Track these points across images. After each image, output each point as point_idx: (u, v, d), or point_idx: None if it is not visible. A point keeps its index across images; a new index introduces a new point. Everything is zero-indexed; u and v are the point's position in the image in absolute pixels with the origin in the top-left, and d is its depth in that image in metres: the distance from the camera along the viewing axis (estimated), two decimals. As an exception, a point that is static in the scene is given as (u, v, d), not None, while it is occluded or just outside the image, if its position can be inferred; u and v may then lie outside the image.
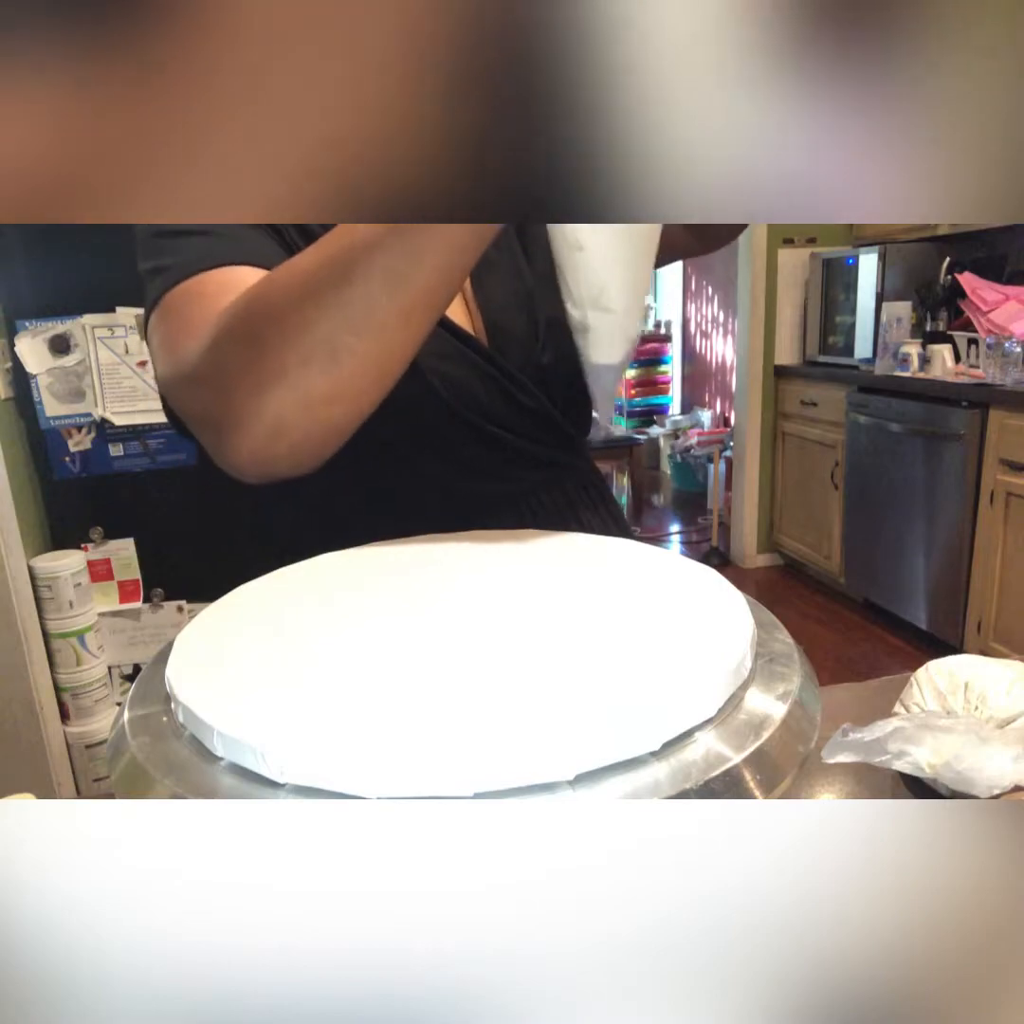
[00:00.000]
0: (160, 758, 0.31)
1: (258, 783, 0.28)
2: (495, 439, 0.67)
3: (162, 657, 0.38)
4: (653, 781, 0.27)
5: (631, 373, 5.10)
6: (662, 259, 0.81)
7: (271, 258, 0.52)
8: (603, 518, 0.79)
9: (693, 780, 0.28)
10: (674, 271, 5.29)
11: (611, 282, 0.52)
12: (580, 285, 0.53)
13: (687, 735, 0.29)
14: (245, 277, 0.50)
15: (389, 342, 0.43)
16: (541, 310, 0.69)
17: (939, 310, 2.79)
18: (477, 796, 0.26)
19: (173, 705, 0.33)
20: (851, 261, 2.96)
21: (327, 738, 0.29)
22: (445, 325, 0.64)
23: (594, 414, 0.77)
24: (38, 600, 1.77)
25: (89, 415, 1.82)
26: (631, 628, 0.36)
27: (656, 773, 0.28)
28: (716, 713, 0.31)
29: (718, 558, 3.56)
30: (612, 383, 0.59)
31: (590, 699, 0.30)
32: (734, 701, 0.32)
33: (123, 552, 1.91)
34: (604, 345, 0.55)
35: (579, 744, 0.27)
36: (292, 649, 0.36)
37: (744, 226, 0.81)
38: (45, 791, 1.64)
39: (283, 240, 0.59)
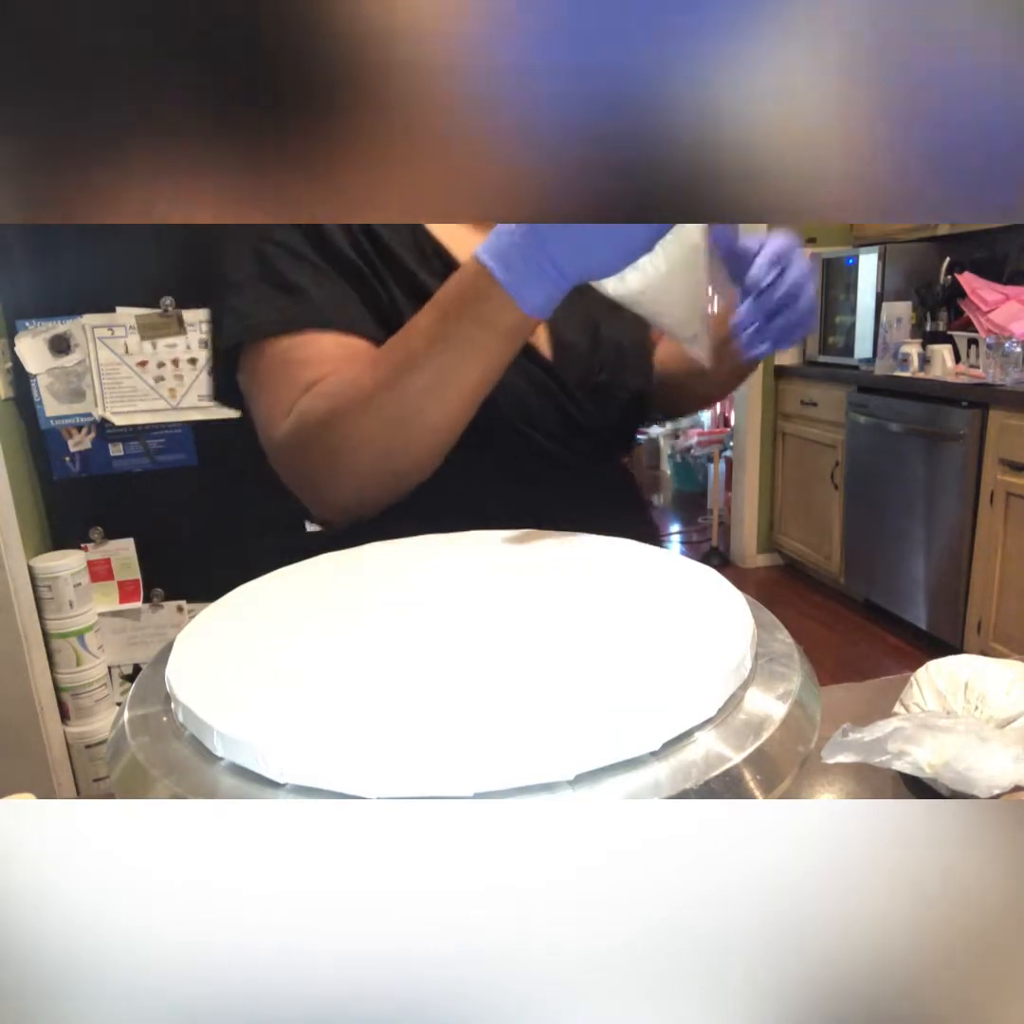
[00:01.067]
0: (160, 758, 0.31)
1: (258, 783, 0.28)
2: (542, 449, 0.68)
3: (162, 657, 0.38)
4: (653, 781, 0.27)
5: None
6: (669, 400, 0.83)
7: (355, 323, 0.60)
8: (640, 532, 0.81)
9: (693, 780, 0.28)
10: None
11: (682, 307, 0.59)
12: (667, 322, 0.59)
13: (687, 735, 0.29)
14: (330, 348, 0.58)
15: (462, 414, 0.54)
16: (604, 332, 0.71)
17: (939, 310, 2.79)
18: (477, 796, 0.26)
19: (173, 705, 0.33)
20: (851, 261, 2.96)
21: (327, 738, 0.28)
22: None
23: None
24: (38, 600, 1.77)
25: (89, 415, 1.82)
26: (631, 628, 0.36)
27: (656, 773, 0.28)
28: (716, 713, 0.31)
29: (718, 558, 3.55)
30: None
31: (590, 699, 0.30)
32: (734, 701, 0.32)
33: (123, 552, 1.91)
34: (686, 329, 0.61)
35: (579, 744, 0.27)
36: (292, 649, 0.36)
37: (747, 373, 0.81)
38: (45, 791, 1.63)
39: (369, 291, 0.63)
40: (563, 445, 0.70)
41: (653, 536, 0.83)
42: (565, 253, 0.49)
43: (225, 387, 0.66)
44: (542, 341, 0.70)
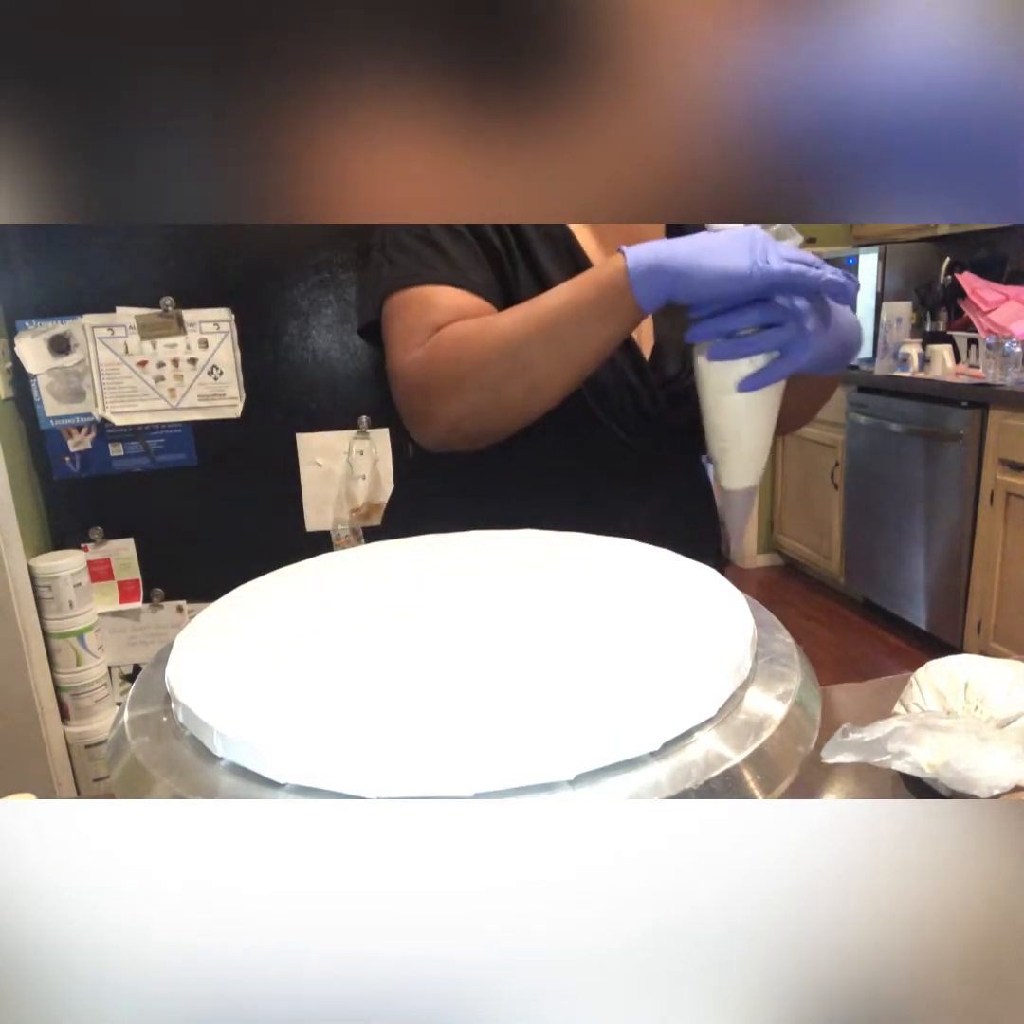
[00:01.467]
0: (160, 758, 0.31)
1: (258, 783, 0.28)
2: (610, 434, 0.74)
3: (162, 657, 0.38)
4: (653, 781, 0.27)
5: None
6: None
7: (485, 290, 0.68)
8: (701, 541, 0.85)
9: (693, 780, 0.28)
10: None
11: (745, 421, 0.62)
12: (718, 424, 0.63)
13: (687, 735, 0.29)
14: (463, 303, 0.67)
15: (566, 382, 0.62)
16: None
17: (939, 310, 2.79)
18: (477, 796, 0.26)
19: (173, 705, 0.33)
20: (851, 261, 2.96)
21: (327, 738, 0.28)
22: None
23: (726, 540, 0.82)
24: (38, 600, 1.77)
25: (89, 415, 1.82)
26: (631, 628, 0.36)
27: (656, 773, 0.28)
28: (716, 713, 0.31)
29: (718, 558, 3.55)
30: (744, 507, 0.67)
31: (590, 699, 0.30)
32: (734, 701, 0.32)
33: (123, 552, 1.91)
34: (737, 474, 0.65)
35: (579, 744, 0.27)
36: (292, 649, 0.36)
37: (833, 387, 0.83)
38: (45, 791, 1.63)
39: (500, 269, 0.71)
40: (633, 435, 0.74)
41: (709, 534, 0.88)
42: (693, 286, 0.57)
43: (368, 324, 0.74)
44: (644, 337, 0.75)
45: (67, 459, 1.83)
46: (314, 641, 0.37)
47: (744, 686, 0.33)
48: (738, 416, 0.62)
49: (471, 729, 0.28)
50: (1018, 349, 2.26)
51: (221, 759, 0.30)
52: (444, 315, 0.66)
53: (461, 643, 0.36)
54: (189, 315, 1.81)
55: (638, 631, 0.36)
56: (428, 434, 0.68)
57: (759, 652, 0.36)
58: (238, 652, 0.36)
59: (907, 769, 0.47)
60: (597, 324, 0.60)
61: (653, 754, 0.28)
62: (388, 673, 0.33)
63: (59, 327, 1.77)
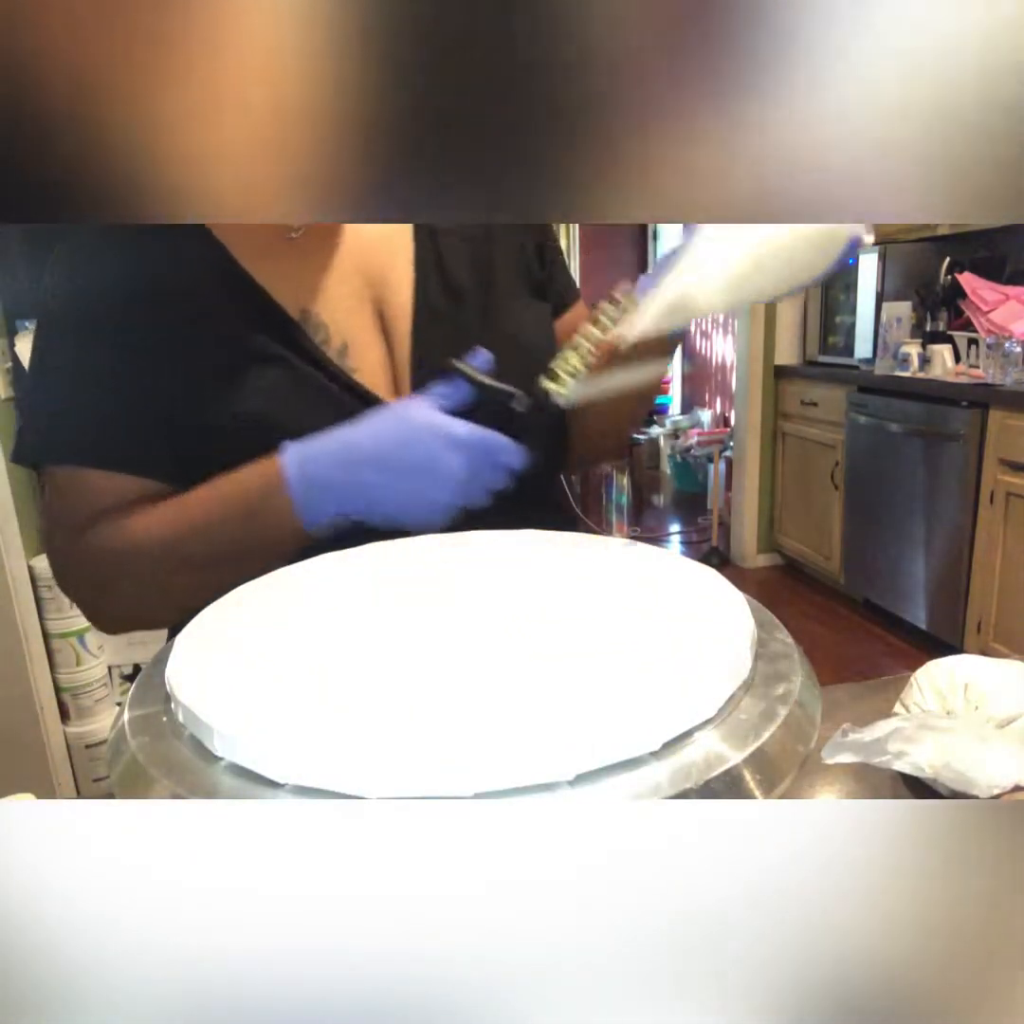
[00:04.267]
0: (160, 758, 0.31)
1: (258, 783, 0.28)
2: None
3: (162, 657, 0.38)
4: (653, 781, 0.27)
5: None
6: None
7: (133, 460, 0.59)
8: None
9: (693, 780, 0.28)
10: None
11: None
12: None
13: (687, 735, 0.29)
14: (115, 486, 0.59)
15: (219, 583, 0.48)
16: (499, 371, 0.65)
17: (939, 310, 2.79)
18: (477, 796, 0.26)
19: (173, 705, 0.33)
20: (851, 261, 2.96)
21: (327, 738, 0.28)
22: (361, 396, 0.62)
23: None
24: (38, 600, 1.77)
25: (89, 415, 1.82)
26: (631, 628, 0.36)
27: (656, 773, 0.28)
28: (716, 713, 0.31)
29: (718, 558, 3.55)
30: None
31: (590, 699, 0.30)
32: (734, 701, 0.32)
33: (123, 552, 1.90)
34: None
35: (579, 744, 0.27)
36: (292, 649, 0.36)
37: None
38: (45, 791, 1.63)
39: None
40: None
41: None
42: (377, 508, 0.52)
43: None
44: (405, 393, 0.65)
45: (67, 459, 1.82)
46: (314, 641, 0.37)
47: (744, 686, 0.33)
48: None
49: (471, 729, 0.28)
50: (1018, 349, 2.26)
51: (221, 759, 0.30)
52: (94, 505, 0.59)
53: (461, 643, 0.36)
54: (189, 315, 1.80)
55: (638, 631, 0.36)
56: (99, 625, 0.64)
57: (759, 652, 0.36)
58: (238, 652, 0.36)
59: (907, 769, 0.47)
60: (261, 530, 0.54)
61: (653, 754, 0.28)
62: (388, 673, 0.33)
63: (59, 327, 1.76)
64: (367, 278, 0.65)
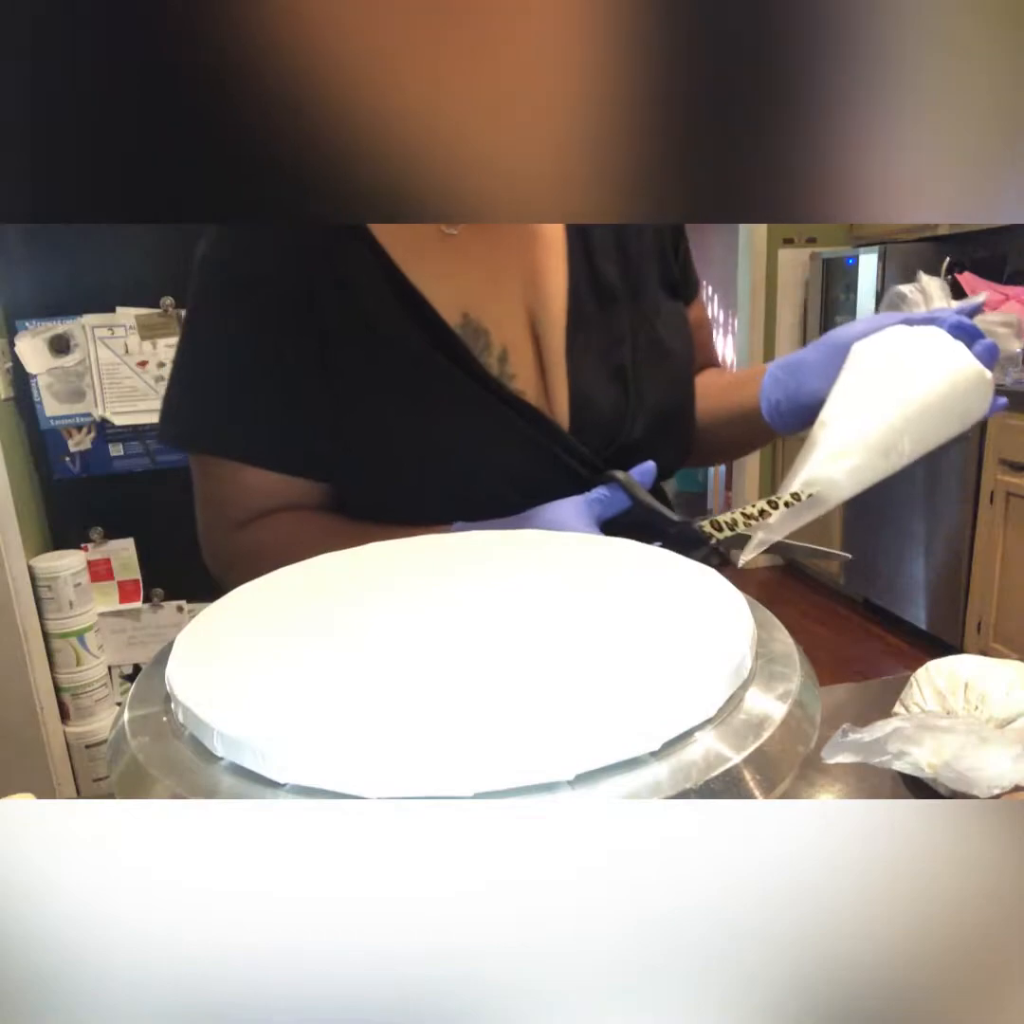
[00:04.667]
0: (160, 758, 0.31)
1: (258, 783, 0.28)
2: None
3: (162, 657, 0.38)
4: (653, 781, 0.27)
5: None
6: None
7: (289, 460, 0.59)
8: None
9: (693, 780, 0.28)
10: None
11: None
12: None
13: (687, 735, 0.29)
14: (272, 487, 0.59)
15: None
16: (641, 384, 0.65)
17: (939, 310, 2.79)
18: (477, 796, 0.26)
19: (173, 705, 0.33)
20: (851, 261, 2.96)
21: (327, 738, 0.28)
22: (516, 407, 0.60)
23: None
24: (38, 600, 1.77)
25: (89, 415, 1.82)
26: (631, 628, 0.36)
27: (656, 773, 0.28)
28: (716, 713, 0.31)
29: (718, 558, 3.55)
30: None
31: (590, 699, 0.30)
32: (734, 701, 0.32)
33: (123, 552, 1.91)
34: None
35: (579, 744, 0.27)
36: (292, 649, 0.36)
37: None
38: (45, 791, 1.63)
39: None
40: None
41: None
42: None
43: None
44: (558, 402, 0.63)
45: (67, 459, 1.83)
46: (314, 641, 0.37)
47: (744, 686, 0.33)
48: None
49: (470, 729, 0.28)
50: (1018, 349, 2.26)
51: (221, 759, 0.30)
52: (258, 503, 0.59)
53: (461, 642, 0.36)
54: (189, 315, 1.81)
55: (638, 631, 0.36)
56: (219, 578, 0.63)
57: (759, 652, 0.36)
58: (238, 652, 0.36)
59: (907, 769, 0.47)
60: None
61: (653, 754, 0.28)
62: (388, 673, 0.33)
63: (59, 327, 1.77)
64: (523, 280, 0.63)
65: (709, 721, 0.30)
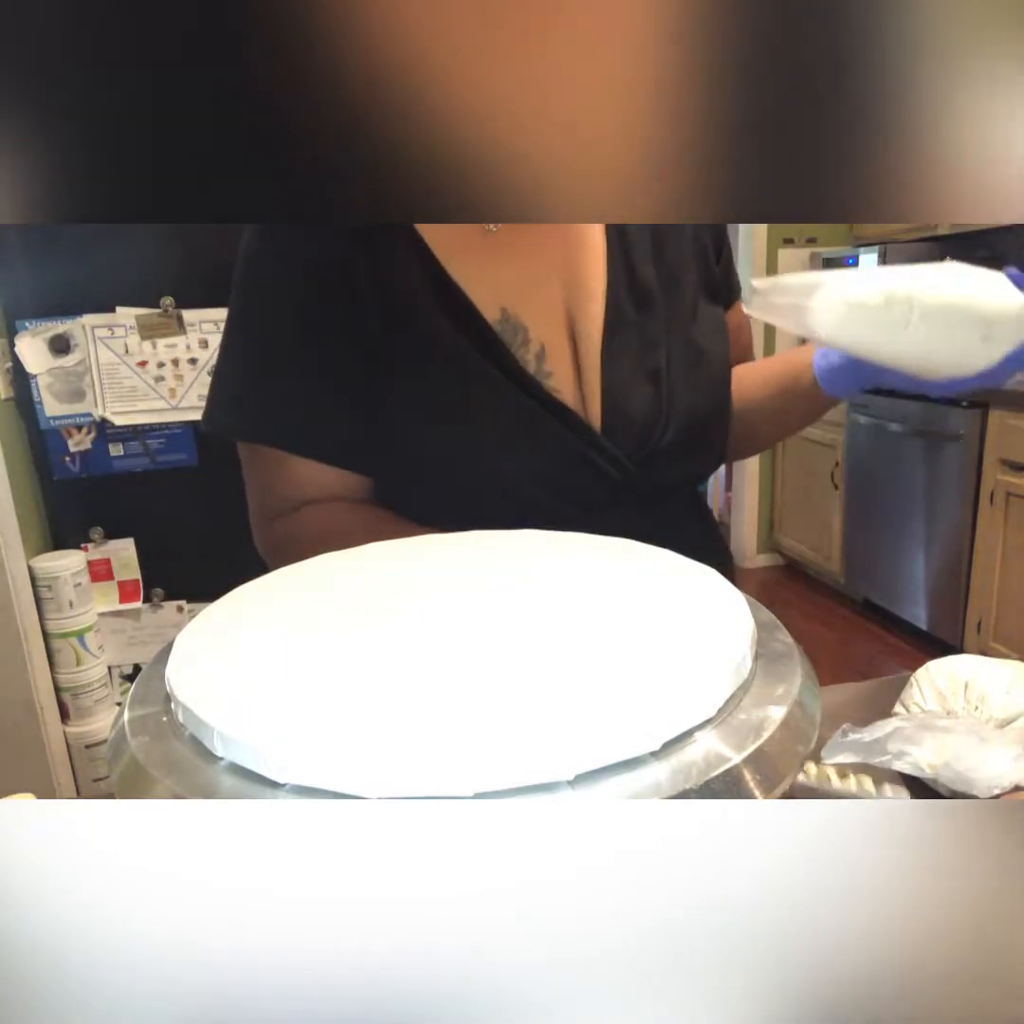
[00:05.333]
0: (160, 758, 0.31)
1: (258, 783, 0.28)
2: (583, 517, 0.62)
3: (162, 657, 0.38)
4: (653, 781, 0.27)
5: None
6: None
7: (337, 451, 0.59)
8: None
9: (693, 780, 0.28)
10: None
11: None
12: None
13: (687, 735, 0.29)
14: (322, 479, 0.59)
15: None
16: (675, 388, 0.64)
17: (939, 310, 2.79)
18: (477, 796, 0.26)
19: (173, 705, 0.33)
20: (851, 261, 2.96)
21: (327, 738, 0.28)
22: (549, 407, 0.60)
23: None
24: (38, 600, 1.77)
25: (89, 415, 1.82)
26: (631, 628, 0.36)
27: (656, 773, 0.28)
28: (716, 713, 0.31)
29: (718, 558, 3.55)
30: None
31: (590, 699, 0.30)
32: (734, 701, 0.32)
33: (123, 552, 1.91)
34: None
35: (578, 744, 0.27)
36: (292, 649, 0.36)
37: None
38: (45, 791, 1.64)
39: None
40: (607, 506, 0.63)
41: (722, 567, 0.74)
42: None
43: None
44: (592, 403, 0.62)
45: (67, 459, 1.83)
46: (314, 641, 0.37)
47: (744, 686, 0.33)
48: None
49: (471, 729, 0.28)
50: (1018, 349, 2.26)
51: (221, 759, 0.30)
52: (301, 493, 0.60)
53: (461, 642, 0.36)
54: (189, 315, 1.81)
55: (638, 630, 0.36)
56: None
57: (759, 652, 0.36)
58: (238, 652, 0.36)
59: (907, 769, 0.47)
60: None
61: (653, 754, 0.28)
62: (388, 673, 0.33)
63: (59, 327, 1.77)
64: (562, 279, 0.63)
65: (709, 721, 0.30)
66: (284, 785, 0.28)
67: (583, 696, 0.30)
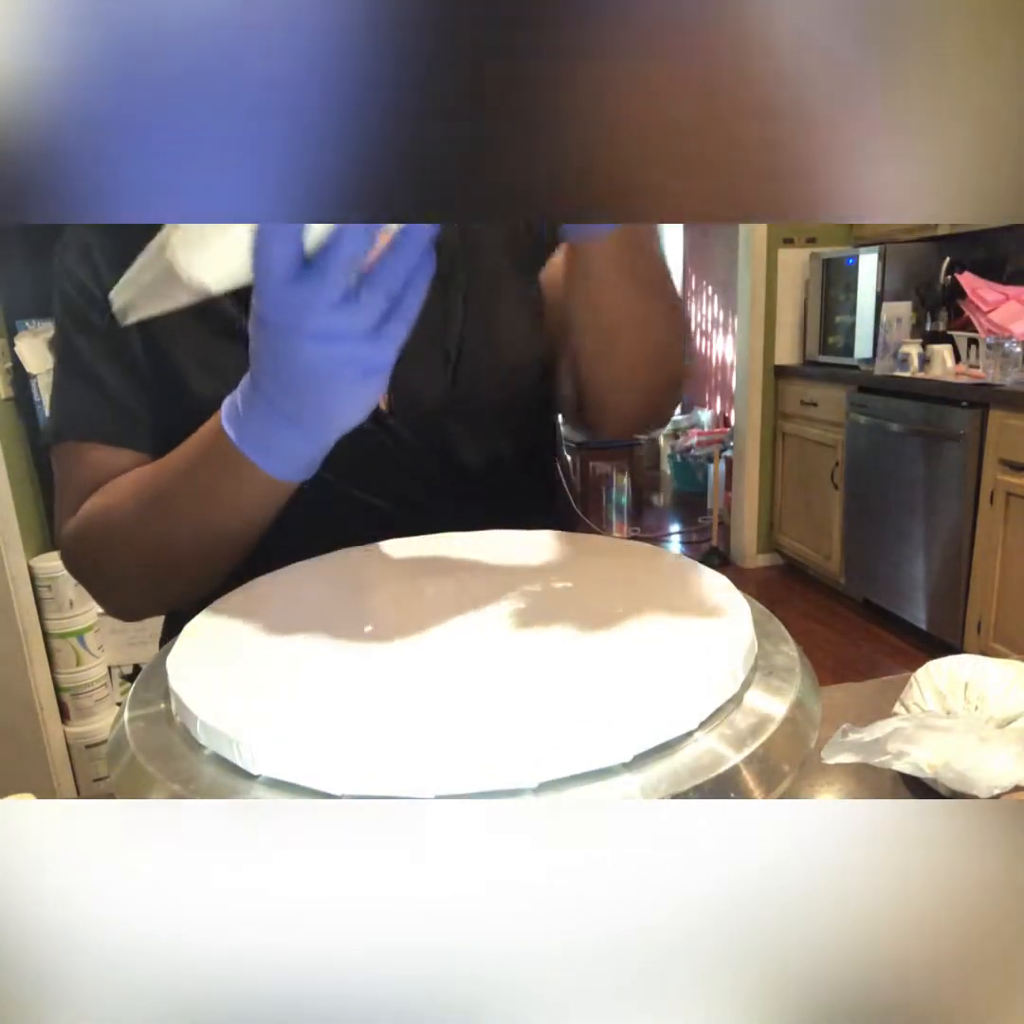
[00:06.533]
0: (160, 758, 0.31)
1: (235, 774, 0.29)
2: (372, 507, 0.60)
3: (162, 657, 0.38)
4: (623, 793, 0.27)
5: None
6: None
7: (139, 436, 0.59)
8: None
9: (693, 780, 0.27)
10: (674, 271, 5.28)
11: None
12: None
13: (687, 735, 0.29)
14: (114, 461, 0.58)
15: (227, 551, 0.51)
16: (469, 367, 0.61)
17: (939, 310, 2.79)
18: (438, 798, 0.26)
19: (173, 705, 0.33)
20: (851, 261, 2.96)
21: (300, 733, 0.29)
22: None
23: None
24: (38, 600, 1.77)
25: (89, 415, 1.81)
26: (629, 635, 0.36)
27: (627, 784, 0.27)
28: (712, 716, 0.31)
29: (718, 558, 3.55)
30: None
31: (563, 708, 0.30)
32: (734, 701, 0.32)
33: (123, 552, 1.90)
34: None
35: (543, 752, 0.27)
36: (288, 647, 0.36)
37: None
38: (45, 791, 1.63)
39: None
40: (424, 497, 0.61)
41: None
42: (303, 410, 0.41)
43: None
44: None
45: (67, 459, 1.82)
46: (310, 640, 0.37)
47: (745, 686, 0.33)
48: None
49: (438, 731, 0.29)
50: (1018, 349, 2.26)
51: (205, 748, 0.30)
52: (89, 480, 0.58)
53: (460, 643, 0.36)
54: (189, 315, 1.80)
55: (631, 638, 0.36)
56: (109, 613, 0.62)
57: (759, 652, 0.36)
58: (237, 650, 0.36)
59: (907, 769, 0.47)
60: (218, 487, 0.47)
61: (625, 765, 0.28)
62: (375, 673, 0.33)
63: (59, 327, 1.76)
64: None
65: (709, 721, 0.30)
66: (257, 776, 0.28)
67: (557, 704, 0.30)
